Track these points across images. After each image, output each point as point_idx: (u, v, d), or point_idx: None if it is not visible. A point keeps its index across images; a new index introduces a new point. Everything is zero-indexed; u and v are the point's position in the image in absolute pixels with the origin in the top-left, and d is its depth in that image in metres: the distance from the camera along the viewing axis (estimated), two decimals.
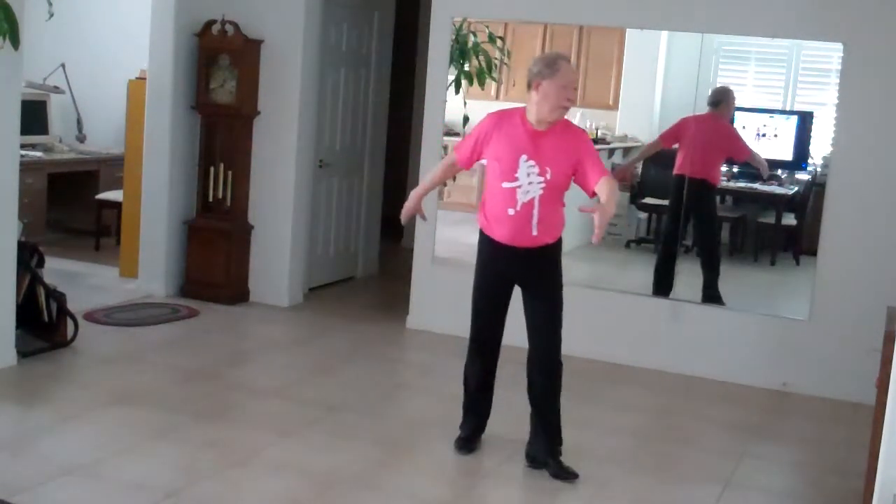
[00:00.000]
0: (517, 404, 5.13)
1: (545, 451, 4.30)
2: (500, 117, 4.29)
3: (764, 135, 6.55)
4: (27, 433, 4.32)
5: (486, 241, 4.33)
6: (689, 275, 6.36)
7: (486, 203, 4.27)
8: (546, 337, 4.33)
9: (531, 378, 4.41)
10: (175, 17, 6.60)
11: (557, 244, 4.28)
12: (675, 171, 6.31)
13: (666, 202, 6.63)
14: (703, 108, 6.25)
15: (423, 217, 4.60)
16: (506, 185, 4.12)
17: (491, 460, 4.40)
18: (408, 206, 4.44)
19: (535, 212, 4.12)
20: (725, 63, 6.64)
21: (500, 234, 4.21)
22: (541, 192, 4.10)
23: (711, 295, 6.19)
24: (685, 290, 6.15)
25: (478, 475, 4.24)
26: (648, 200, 6.94)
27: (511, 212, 4.13)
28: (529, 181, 4.10)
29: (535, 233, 4.15)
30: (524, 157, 4.10)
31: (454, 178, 7.43)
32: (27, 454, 4.07)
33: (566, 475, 4.22)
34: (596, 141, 6.90)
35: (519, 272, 4.30)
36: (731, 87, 6.39)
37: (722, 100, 6.26)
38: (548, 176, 4.09)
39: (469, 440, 4.49)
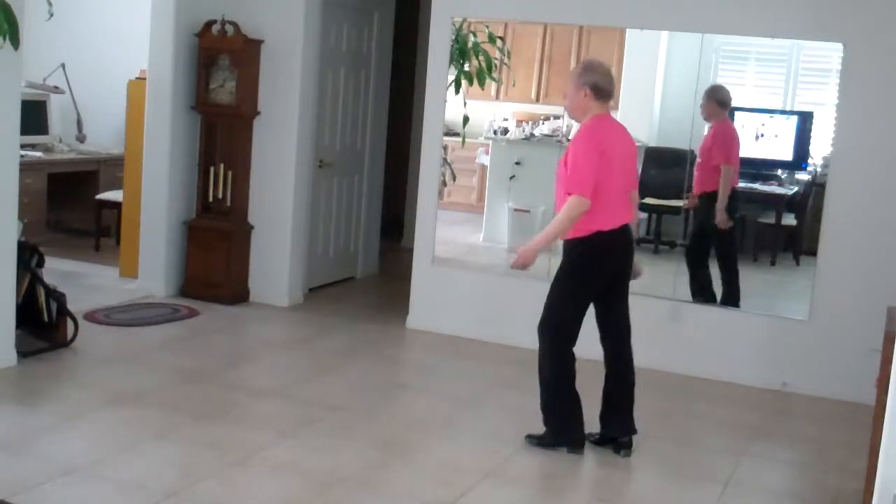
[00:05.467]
0: (517, 404, 5.14)
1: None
2: None
3: (763, 135, 6.55)
4: (27, 433, 4.31)
5: None
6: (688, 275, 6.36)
7: None
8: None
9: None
10: (175, 17, 6.60)
11: (572, 243, 4.38)
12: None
13: (666, 202, 6.64)
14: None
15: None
16: None
17: (491, 460, 4.40)
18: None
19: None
20: (725, 63, 6.63)
21: None
22: (556, 187, 4.41)
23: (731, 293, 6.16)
24: (685, 290, 6.14)
25: (478, 475, 4.24)
26: (648, 200, 6.93)
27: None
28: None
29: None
30: None
31: (454, 178, 7.45)
32: (27, 454, 4.07)
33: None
34: None
35: None
36: (731, 87, 6.39)
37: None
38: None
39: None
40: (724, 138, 6.18)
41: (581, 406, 4.49)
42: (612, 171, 4.32)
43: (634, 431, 4.57)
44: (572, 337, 4.43)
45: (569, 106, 4.52)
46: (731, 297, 6.15)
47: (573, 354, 4.44)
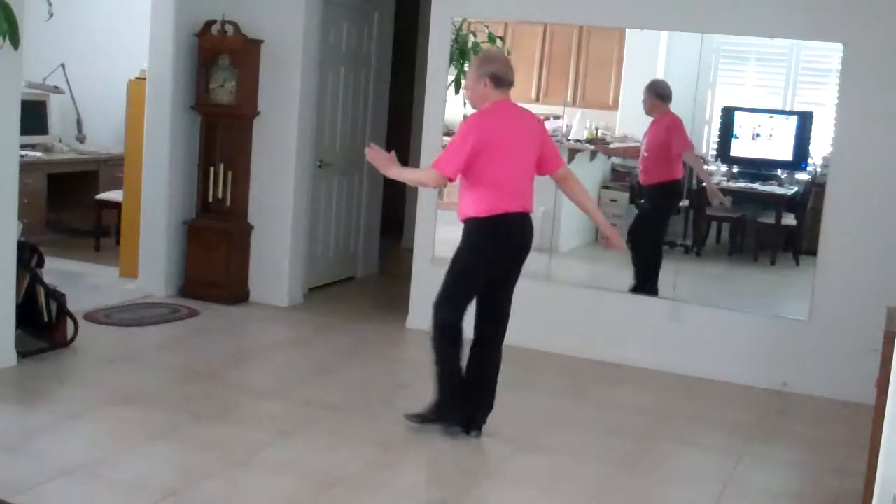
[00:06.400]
0: (517, 404, 5.14)
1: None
2: None
3: (759, 135, 6.56)
4: (27, 433, 4.31)
5: None
6: (689, 275, 6.37)
7: None
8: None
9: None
10: (175, 17, 6.60)
11: (472, 222, 4.45)
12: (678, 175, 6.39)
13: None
14: (702, 108, 6.26)
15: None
16: None
17: (491, 460, 4.40)
18: None
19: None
20: (725, 63, 6.64)
21: None
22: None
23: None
24: (685, 290, 6.14)
25: (478, 475, 4.24)
26: None
27: None
28: None
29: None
30: None
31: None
32: (27, 454, 4.07)
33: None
34: (596, 141, 6.91)
35: None
36: (731, 87, 6.41)
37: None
38: None
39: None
40: (678, 128, 6.25)
41: (463, 387, 4.58)
42: (503, 156, 4.38)
43: (481, 422, 4.61)
44: (462, 315, 4.54)
45: (470, 96, 4.60)
46: (649, 286, 6.25)
47: (461, 332, 4.55)
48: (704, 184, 6.47)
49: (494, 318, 4.61)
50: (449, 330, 4.53)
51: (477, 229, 4.44)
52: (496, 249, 4.43)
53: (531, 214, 4.52)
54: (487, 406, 4.63)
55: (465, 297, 4.54)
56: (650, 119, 6.36)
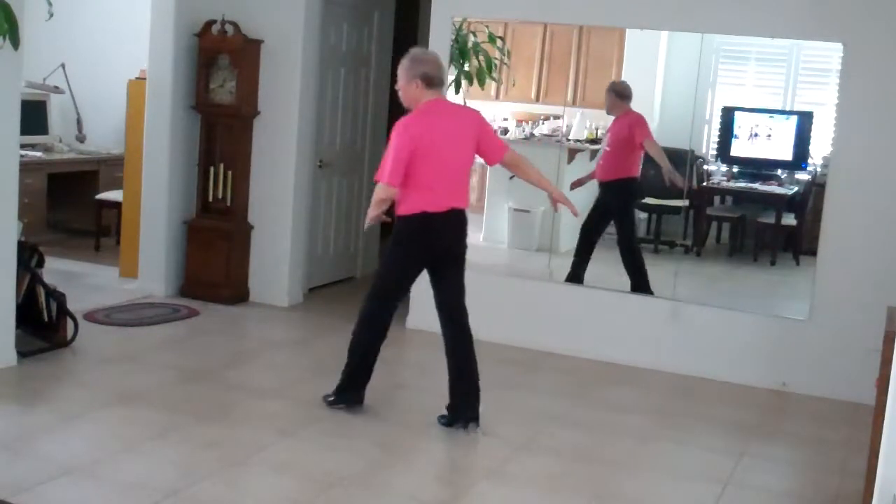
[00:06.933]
0: (517, 404, 5.14)
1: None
2: None
3: (757, 135, 6.56)
4: (27, 433, 4.31)
5: None
6: (688, 275, 6.37)
7: None
8: None
9: None
10: (175, 17, 6.60)
11: (400, 220, 4.57)
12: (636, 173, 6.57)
13: (666, 202, 6.65)
14: (702, 108, 6.25)
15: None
16: None
17: (491, 460, 4.40)
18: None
19: None
20: (725, 63, 6.64)
21: None
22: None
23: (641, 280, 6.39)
24: (685, 290, 6.14)
25: (478, 475, 4.24)
26: (648, 200, 6.95)
27: None
28: None
29: None
30: None
31: None
32: (27, 454, 4.07)
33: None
34: (596, 141, 6.91)
35: None
36: (731, 87, 6.42)
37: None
38: None
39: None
40: (641, 122, 6.41)
41: (369, 375, 4.81)
42: (433, 156, 4.48)
43: (475, 417, 4.65)
44: (391, 308, 4.72)
45: (402, 97, 4.65)
46: (642, 285, 6.30)
47: (385, 326, 4.73)
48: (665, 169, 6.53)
49: (449, 307, 4.72)
50: (372, 322, 4.72)
51: (400, 227, 4.58)
52: (419, 248, 4.56)
53: (464, 211, 4.67)
54: (474, 395, 4.66)
55: (392, 292, 4.72)
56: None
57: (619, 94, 6.45)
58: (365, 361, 4.79)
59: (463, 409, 4.64)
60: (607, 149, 6.63)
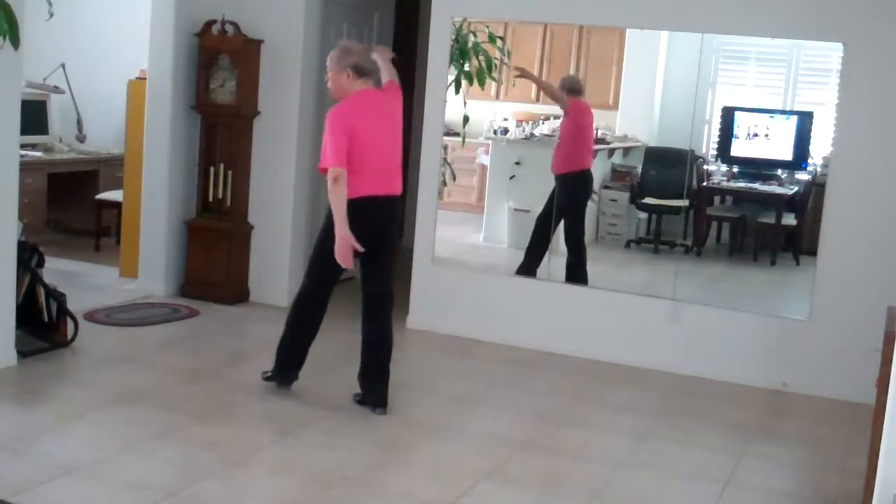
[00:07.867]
0: (517, 404, 5.14)
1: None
2: None
3: (756, 135, 6.56)
4: (27, 433, 4.31)
5: None
6: (688, 275, 6.37)
7: None
8: None
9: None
10: (175, 17, 6.60)
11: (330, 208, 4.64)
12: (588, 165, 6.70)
13: (666, 202, 6.65)
14: (702, 108, 6.25)
15: None
16: None
17: (491, 460, 4.40)
18: None
19: None
20: (725, 63, 6.65)
21: None
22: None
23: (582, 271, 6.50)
24: (685, 290, 6.15)
25: (478, 475, 4.24)
26: (648, 200, 6.95)
27: None
28: None
29: None
30: None
31: (454, 178, 7.46)
32: (27, 454, 4.07)
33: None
34: (596, 141, 6.91)
35: None
36: (731, 87, 6.42)
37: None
38: None
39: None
40: (585, 110, 6.61)
41: (304, 356, 4.97)
42: (366, 143, 4.57)
43: (384, 404, 4.81)
44: (323, 290, 4.88)
45: (332, 88, 4.75)
46: (581, 275, 6.39)
47: (319, 307, 4.91)
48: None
49: (376, 294, 4.83)
50: (306, 302, 4.91)
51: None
52: (354, 232, 4.57)
53: (397, 197, 4.79)
54: (379, 380, 4.81)
55: (326, 274, 4.81)
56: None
57: (571, 89, 6.59)
58: (297, 341, 4.95)
59: (367, 393, 4.85)
60: (558, 142, 6.73)
